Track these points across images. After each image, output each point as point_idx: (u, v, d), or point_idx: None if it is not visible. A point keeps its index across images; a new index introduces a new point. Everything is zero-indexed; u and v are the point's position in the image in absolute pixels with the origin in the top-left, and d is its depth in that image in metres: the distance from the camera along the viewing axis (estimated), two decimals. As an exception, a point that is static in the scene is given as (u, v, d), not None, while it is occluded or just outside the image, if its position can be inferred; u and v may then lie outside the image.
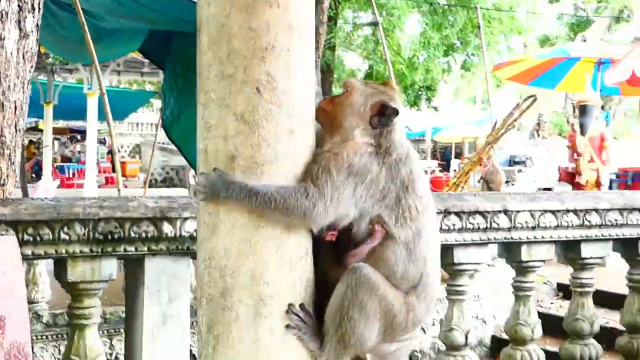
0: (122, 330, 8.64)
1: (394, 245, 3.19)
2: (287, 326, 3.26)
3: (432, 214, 3.29)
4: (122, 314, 8.61)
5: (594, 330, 6.90)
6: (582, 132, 16.87)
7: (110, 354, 10.60)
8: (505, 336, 9.59)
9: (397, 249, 3.19)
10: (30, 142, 38.30)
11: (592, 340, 6.92)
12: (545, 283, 13.96)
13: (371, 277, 3.19)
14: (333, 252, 3.37)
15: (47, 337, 10.37)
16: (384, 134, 3.17)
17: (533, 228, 6.33)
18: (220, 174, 3.21)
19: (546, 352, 6.89)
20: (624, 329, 7.11)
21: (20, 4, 4.83)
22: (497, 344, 9.77)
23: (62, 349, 10.12)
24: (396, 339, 3.34)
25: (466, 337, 6.43)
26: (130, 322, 5.69)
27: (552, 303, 13.20)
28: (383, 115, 3.15)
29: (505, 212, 6.18)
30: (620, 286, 7.57)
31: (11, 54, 4.84)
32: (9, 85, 4.84)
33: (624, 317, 7.15)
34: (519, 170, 30.47)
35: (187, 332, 5.60)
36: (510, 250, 6.57)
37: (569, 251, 6.78)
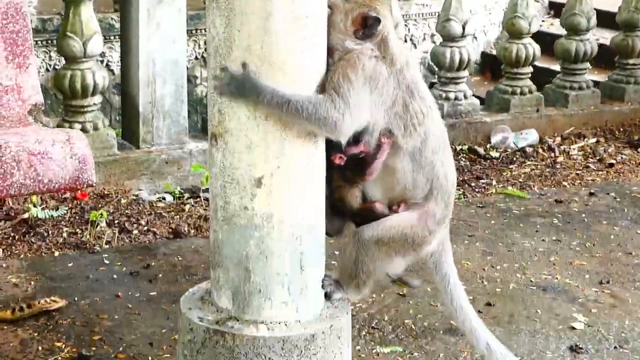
0: (112, 37, 8.54)
1: (402, 156, 3.14)
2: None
3: (437, 115, 3.24)
4: (111, 20, 8.50)
5: (591, 25, 6.86)
6: None
7: (101, 61, 10.57)
8: (494, 52, 9.58)
9: (404, 160, 3.14)
10: None
11: (589, 36, 6.90)
12: (537, 1, 13.82)
13: (374, 235, 3.18)
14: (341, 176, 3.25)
15: (37, 42, 10.29)
16: (382, 47, 3.05)
17: None
18: (247, 74, 2.83)
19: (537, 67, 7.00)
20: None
21: None
22: (487, 60, 9.77)
23: (53, 54, 10.06)
24: (426, 244, 3.33)
25: (463, 28, 6.40)
26: (125, 5, 5.62)
27: (543, 21, 13.14)
28: (366, 27, 3.02)
29: None
30: (615, 3, 7.50)
31: None
32: None
33: (620, 14, 7.11)
34: None
35: (183, 15, 5.55)
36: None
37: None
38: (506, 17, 6.72)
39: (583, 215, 5.38)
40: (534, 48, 6.71)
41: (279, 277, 2.84)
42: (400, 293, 4.31)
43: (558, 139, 6.69)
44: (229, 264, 2.86)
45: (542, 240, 4.99)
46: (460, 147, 6.48)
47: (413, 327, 4.02)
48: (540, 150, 6.48)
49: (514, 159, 6.36)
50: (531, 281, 4.49)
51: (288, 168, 2.79)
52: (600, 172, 6.16)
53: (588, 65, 7.00)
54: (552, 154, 6.43)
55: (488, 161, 6.31)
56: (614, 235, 5.09)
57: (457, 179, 5.83)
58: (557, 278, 4.53)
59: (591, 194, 5.72)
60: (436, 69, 6.72)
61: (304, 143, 2.83)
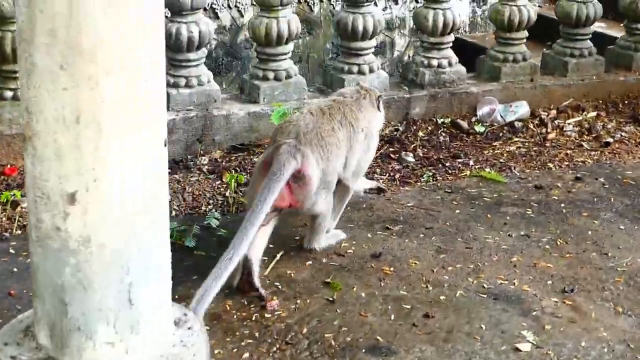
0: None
1: None
2: None
3: None
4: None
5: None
6: None
7: None
8: None
9: None
10: None
11: (592, -2, 6.23)
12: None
13: None
14: None
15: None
16: None
17: None
18: None
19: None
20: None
21: None
22: None
23: None
24: None
25: (448, -11, 5.76)
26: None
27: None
28: None
29: None
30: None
31: None
32: None
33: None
34: None
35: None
36: None
37: None
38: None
39: (562, 205, 4.77)
40: (529, 10, 6.05)
41: (102, 313, 2.33)
42: (330, 299, 3.78)
43: (553, 112, 6.06)
44: (44, 294, 2.36)
45: (509, 235, 4.41)
46: (442, 120, 5.87)
47: (332, 343, 3.49)
48: (531, 126, 5.85)
49: (500, 134, 5.75)
50: (483, 287, 3.92)
51: (109, 181, 2.25)
52: (593, 153, 5.52)
53: (591, 29, 6.32)
54: (544, 130, 5.80)
55: (471, 137, 5.71)
56: (591, 231, 4.49)
57: (432, 157, 5.34)
58: (514, 284, 3.96)
59: (577, 179, 5.11)
60: (418, 32, 6.08)
61: (133, 149, 2.27)
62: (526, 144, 5.62)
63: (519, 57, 6.12)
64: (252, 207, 3.66)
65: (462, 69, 6.02)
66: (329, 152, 3.94)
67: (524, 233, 4.44)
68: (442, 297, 3.82)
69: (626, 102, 6.29)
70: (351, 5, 5.65)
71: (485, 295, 3.85)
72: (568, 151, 5.52)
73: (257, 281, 3.77)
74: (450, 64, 5.95)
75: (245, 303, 3.72)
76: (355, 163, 4.14)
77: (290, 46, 5.53)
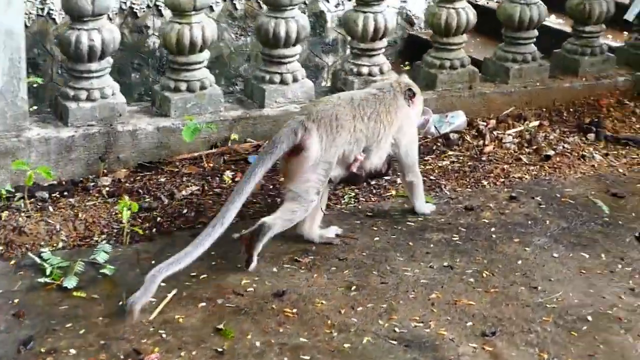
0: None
1: None
2: None
3: None
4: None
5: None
6: None
7: None
8: (480, 2, 8.53)
9: None
10: None
11: (536, -1, 5.84)
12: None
13: None
14: None
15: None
16: None
17: None
18: None
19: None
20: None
21: None
22: None
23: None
24: None
25: (378, -10, 5.35)
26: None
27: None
28: None
29: None
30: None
31: None
32: None
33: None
34: None
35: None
36: None
37: None
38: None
39: (492, 229, 4.39)
40: (469, 13, 5.65)
41: None
42: (219, 349, 3.36)
43: (493, 122, 5.65)
44: None
45: (430, 266, 4.02)
46: (372, 131, 5.45)
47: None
48: (467, 138, 5.44)
49: (434, 148, 5.34)
50: (395, 331, 3.52)
51: None
52: (532, 168, 5.13)
53: (535, 33, 5.92)
54: (481, 142, 5.39)
55: (402, 151, 5.29)
56: (522, 260, 4.11)
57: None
58: (430, 326, 3.57)
59: (512, 198, 4.73)
60: (348, 38, 5.66)
61: None
62: (461, 158, 5.21)
63: (456, 64, 5.72)
64: (243, 176, 3.89)
65: (395, 77, 5.59)
66: (339, 134, 3.98)
67: (447, 264, 4.05)
68: (346, 345, 3.42)
69: (571, 110, 5.90)
70: (273, 9, 5.22)
71: (395, 342, 3.45)
72: (505, 166, 5.13)
73: (259, 247, 3.88)
74: (381, 72, 5.54)
75: (122, 357, 3.30)
76: (377, 160, 4.20)
77: (205, 54, 5.10)
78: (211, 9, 7.46)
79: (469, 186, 4.88)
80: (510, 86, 5.83)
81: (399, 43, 8.70)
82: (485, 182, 4.91)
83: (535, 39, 5.93)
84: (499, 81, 5.87)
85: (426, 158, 5.17)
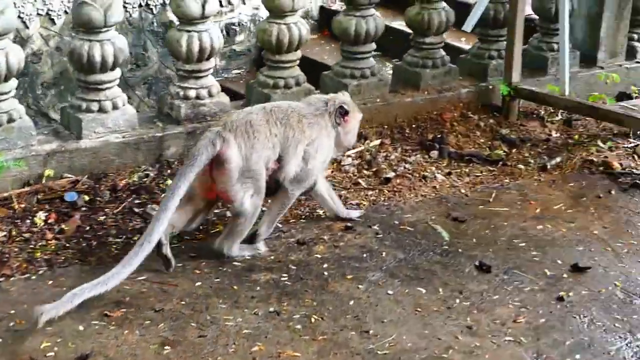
0: None
1: None
2: None
3: None
4: None
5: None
6: None
7: None
8: (334, 7, 8.31)
9: None
10: None
11: (373, 11, 5.57)
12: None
13: None
14: None
15: None
16: None
17: None
18: None
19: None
20: None
21: None
22: (325, 15, 8.46)
23: None
24: None
25: (203, 7, 4.99)
26: None
27: None
28: None
29: None
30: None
31: None
32: None
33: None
34: None
35: None
36: None
37: None
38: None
39: (325, 265, 4.10)
40: (301, 29, 5.35)
41: None
42: None
43: (332, 143, 5.35)
44: None
45: (255, 313, 3.70)
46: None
47: None
48: (304, 161, 5.13)
49: (269, 174, 5.01)
50: (208, 396, 3.18)
51: None
52: (370, 192, 4.87)
53: (373, 46, 5.67)
54: (318, 166, 5.09)
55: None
56: (354, 300, 3.82)
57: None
58: (248, 387, 3.23)
59: (347, 228, 4.45)
60: (174, 59, 5.29)
61: None
62: (297, 184, 4.90)
63: (291, 82, 5.42)
64: (166, 192, 3.89)
65: (225, 99, 5.26)
66: (256, 139, 4.01)
67: (273, 309, 3.73)
68: (152, 417, 3.05)
69: (414, 126, 5.67)
70: (85, 32, 4.79)
71: (208, 409, 3.11)
72: (343, 192, 4.85)
73: (166, 250, 3.95)
74: (210, 94, 5.19)
75: None
76: (294, 169, 4.15)
77: (12, 83, 4.65)
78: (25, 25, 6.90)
79: (303, 217, 4.58)
80: (349, 104, 5.56)
81: (253, 51, 8.35)
82: (320, 211, 4.62)
83: (372, 53, 5.68)
84: (338, 99, 5.58)
85: (260, 186, 4.84)
